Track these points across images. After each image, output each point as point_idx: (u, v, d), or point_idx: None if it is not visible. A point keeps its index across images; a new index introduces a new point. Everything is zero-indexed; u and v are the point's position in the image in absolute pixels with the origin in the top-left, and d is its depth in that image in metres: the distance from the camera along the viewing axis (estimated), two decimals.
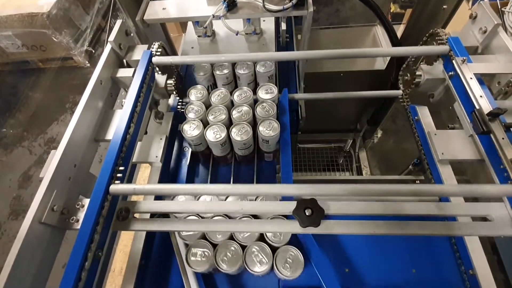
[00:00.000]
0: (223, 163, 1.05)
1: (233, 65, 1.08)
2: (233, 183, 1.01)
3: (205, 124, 0.93)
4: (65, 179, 0.70)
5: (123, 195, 0.70)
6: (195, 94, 1.02)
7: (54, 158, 0.69)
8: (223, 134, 0.88)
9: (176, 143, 1.08)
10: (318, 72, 1.78)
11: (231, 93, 1.00)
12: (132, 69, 0.95)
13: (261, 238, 0.73)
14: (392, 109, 2.03)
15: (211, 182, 1.02)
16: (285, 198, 0.79)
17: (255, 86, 1.12)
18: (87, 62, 3.57)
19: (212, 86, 1.15)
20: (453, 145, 0.85)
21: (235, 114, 0.94)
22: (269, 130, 0.89)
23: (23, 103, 3.41)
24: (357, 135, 2.30)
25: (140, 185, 0.67)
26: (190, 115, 0.95)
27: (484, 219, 0.63)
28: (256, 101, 0.98)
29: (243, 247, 0.71)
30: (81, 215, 0.67)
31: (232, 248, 0.70)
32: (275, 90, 0.99)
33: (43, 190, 0.64)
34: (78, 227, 0.64)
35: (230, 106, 0.98)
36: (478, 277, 0.69)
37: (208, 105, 0.98)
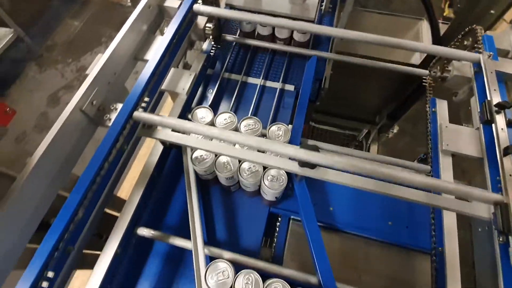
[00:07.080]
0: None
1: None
2: None
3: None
4: (105, 81, 0.80)
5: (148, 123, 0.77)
6: (200, 114, 0.90)
7: (100, 60, 0.78)
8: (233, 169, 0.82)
9: (201, 87, 1.14)
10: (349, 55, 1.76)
11: (239, 120, 0.89)
12: (179, 1, 1.00)
13: None
14: (413, 110, 2.02)
15: None
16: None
17: None
18: (129, 0, 3.63)
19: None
20: (460, 139, 0.88)
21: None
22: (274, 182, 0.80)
23: (62, 29, 3.54)
24: (373, 127, 2.31)
25: (166, 117, 0.74)
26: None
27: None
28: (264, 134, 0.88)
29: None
30: (114, 115, 0.77)
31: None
32: (285, 128, 0.88)
33: (87, 85, 0.73)
34: (110, 124, 0.74)
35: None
36: (445, 253, 0.76)
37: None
